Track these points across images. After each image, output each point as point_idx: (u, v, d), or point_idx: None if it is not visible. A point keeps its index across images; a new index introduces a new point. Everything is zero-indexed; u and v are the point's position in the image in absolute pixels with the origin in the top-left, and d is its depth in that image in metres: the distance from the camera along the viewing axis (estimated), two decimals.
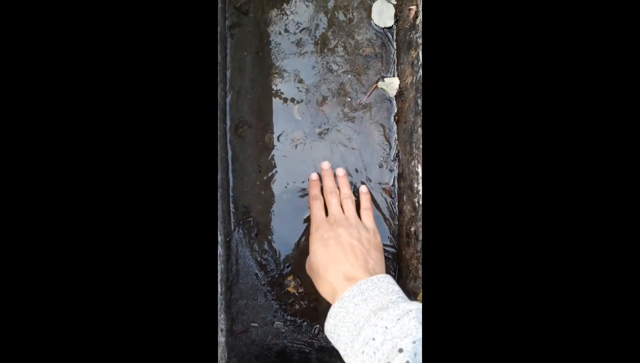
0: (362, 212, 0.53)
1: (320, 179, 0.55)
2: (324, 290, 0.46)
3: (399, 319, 0.35)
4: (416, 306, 0.37)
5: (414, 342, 0.33)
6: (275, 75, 0.58)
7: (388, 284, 0.42)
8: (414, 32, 0.51)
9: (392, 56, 0.57)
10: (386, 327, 0.35)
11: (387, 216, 0.56)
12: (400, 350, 0.33)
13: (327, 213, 0.52)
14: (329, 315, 0.42)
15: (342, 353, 0.40)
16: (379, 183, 0.56)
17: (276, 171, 0.57)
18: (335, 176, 0.55)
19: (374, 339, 0.35)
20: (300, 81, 0.58)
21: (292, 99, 0.58)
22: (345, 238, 0.47)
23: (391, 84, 0.56)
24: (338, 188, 0.54)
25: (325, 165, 0.55)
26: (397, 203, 0.56)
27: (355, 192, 0.55)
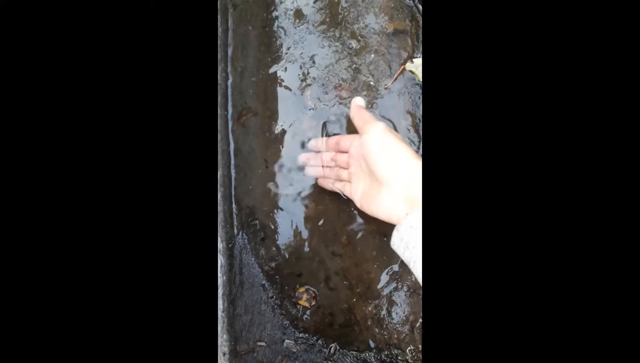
0: None
1: None
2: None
3: None
4: None
5: None
6: (285, 54, 0.50)
7: None
8: None
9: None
10: None
11: None
12: None
13: None
14: (399, 227, 0.36)
15: (415, 264, 0.35)
16: None
17: (285, 166, 0.49)
18: None
19: None
20: (314, 61, 0.49)
21: (304, 83, 0.50)
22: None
23: (421, 66, 0.48)
24: None
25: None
26: None
27: None
